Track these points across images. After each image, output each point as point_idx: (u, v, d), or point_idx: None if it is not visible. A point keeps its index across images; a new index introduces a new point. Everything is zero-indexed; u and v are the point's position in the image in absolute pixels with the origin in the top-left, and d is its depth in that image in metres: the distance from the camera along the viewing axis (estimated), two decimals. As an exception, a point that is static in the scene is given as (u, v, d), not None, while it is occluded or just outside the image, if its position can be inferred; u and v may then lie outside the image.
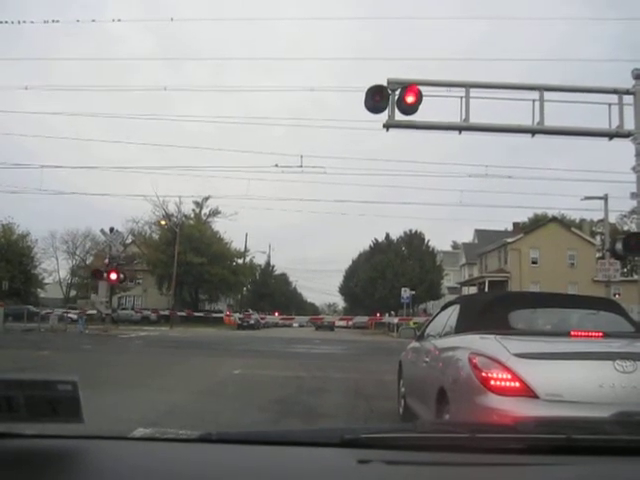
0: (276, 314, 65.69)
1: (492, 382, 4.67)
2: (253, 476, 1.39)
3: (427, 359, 6.67)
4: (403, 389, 8.14)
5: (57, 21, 22.03)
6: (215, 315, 53.48)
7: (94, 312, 41.13)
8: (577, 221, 64.63)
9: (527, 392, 4.55)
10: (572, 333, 5.23)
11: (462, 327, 6.05)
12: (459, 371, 5.21)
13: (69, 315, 40.15)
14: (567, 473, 1.47)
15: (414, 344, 8.16)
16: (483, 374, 4.74)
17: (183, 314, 48.23)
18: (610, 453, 1.62)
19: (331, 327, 63.45)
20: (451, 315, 6.79)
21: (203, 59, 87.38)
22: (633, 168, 14.96)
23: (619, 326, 5.98)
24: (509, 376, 4.61)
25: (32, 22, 22.57)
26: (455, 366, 5.38)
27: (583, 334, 5.24)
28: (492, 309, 6.20)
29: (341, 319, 67.71)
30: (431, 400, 5.76)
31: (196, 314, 48.33)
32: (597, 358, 4.69)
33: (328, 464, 1.52)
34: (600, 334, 5.23)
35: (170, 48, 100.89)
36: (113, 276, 33.96)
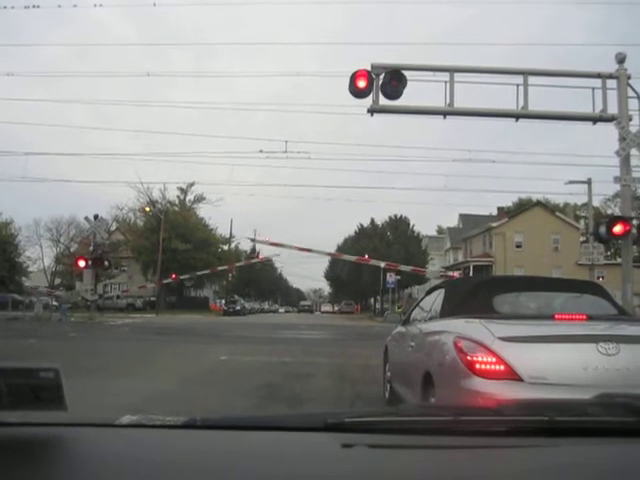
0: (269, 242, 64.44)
1: (477, 365, 4.70)
2: (237, 461, 1.40)
3: (413, 343, 6.69)
4: (389, 373, 8.18)
5: (38, 7, 21.62)
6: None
7: (78, 299, 41.04)
8: (561, 205, 65.02)
9: (512, 375, 4.58)
10: (556, 316, 5.27)
11: (447, 311, 6.09)
12: (444, 355, 5.24)
13: (54, 303, 40.01)
14: (549, 454, 1.48)
15: (400, 329, 8.19)
16: (468, 358, 4.77)
17: (169, 281, 48.65)
18: (592, 434, 1.64)
19: (311, 310, 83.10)
20: (436, 299, 6.82)
21: (187, 44, 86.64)
22: (616, 152, 15.03)
23: (603, 309, 6.04)
24: (494, 359, 4.64)
25: (12, 7, 22.22)
26: (440, 350, 5.41)
27: (567, 317, 5.28)
28: (477, 293, 6.24)
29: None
30: (417, 384, 5.79)
31: (183, 277, 48.64)
32: (581, 341, 4.73)
33: (312, 448, 1.53)
34: (584, 317, 5.27)
35: (153, 34, 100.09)
36: (98, 263, 33.81)
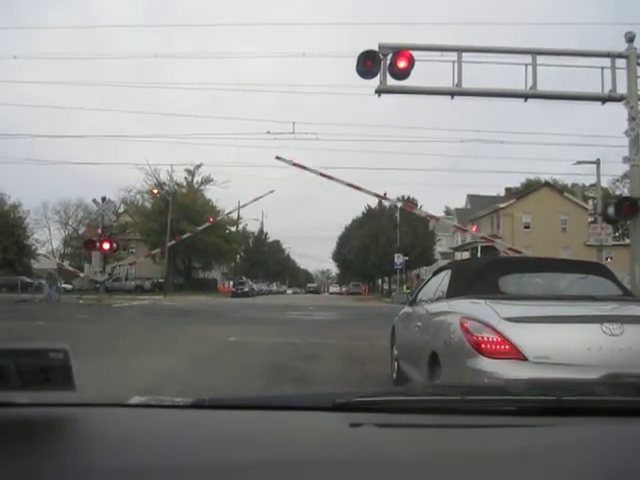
0: (292, 162, 63.60)
1: (483, 345, 4.73)
2: (245, 440, 1.41)
3: (419, 324, 6.72)
4: (396, 353, 8.21)
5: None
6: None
7: (87, 284, 41.32)
8: (569, 186, 64.67)
9: (517, 355, 4.61)
10: (561, 297, 5.28)
11: (454, 292, 6.10)
12: (451, 335, 5.27)
13: (63, 285, 40.26)
14: (556, 433, 1.49)
15: (407, 309, 8.22)
16: (474, 338, 4.80)
17: (173, 242, 49.02)
18: (598, 414, 1.65)
19: (318, 291, 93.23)
20: (443, 280, 6.83)
21: (193, 25, 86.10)
22: (625, 132, 14.92)
23: (607, 290, 6.04)
24: (499, 339, 4.67)
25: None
26: (447, 330, 5.44)
27: (572, 298, 5.29)
28: (483, 274, 6.25)
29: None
30: (423, 364, 5.83)
31: (184, 237, 48.84)
32: (585, 321, 4.75)
33: (320, 428, 1.54)
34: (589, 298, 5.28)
35: (160, 15, 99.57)
36: (106, 245, 33.86)
